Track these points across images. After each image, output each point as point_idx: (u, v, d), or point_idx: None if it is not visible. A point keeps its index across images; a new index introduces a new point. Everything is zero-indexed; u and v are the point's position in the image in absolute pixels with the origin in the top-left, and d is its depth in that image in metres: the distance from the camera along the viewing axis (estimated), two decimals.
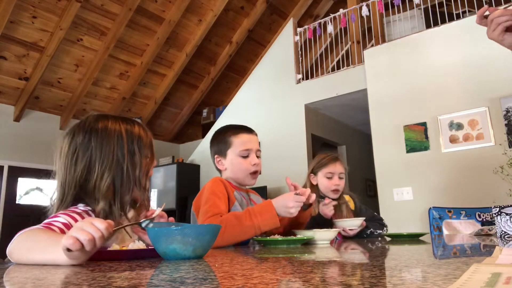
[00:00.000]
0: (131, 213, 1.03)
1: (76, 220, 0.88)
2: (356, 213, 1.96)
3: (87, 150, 0.95)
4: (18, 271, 0.63)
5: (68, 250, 0.63)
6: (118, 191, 0.95)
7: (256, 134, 1.56)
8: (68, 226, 0.86)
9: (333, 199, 1.92)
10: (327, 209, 1.68)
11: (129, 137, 0.98)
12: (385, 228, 1.96)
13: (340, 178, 1.93)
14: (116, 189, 0.95)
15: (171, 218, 1.14)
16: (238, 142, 1.48)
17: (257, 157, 1.51)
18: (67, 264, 0.67)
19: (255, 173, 1.49)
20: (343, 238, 1.76)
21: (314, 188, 1.93)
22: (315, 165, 1.98)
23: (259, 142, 1.58)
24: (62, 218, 0.87)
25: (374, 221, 1.98)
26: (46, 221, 0.87)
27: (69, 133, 0.98)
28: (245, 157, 1.47)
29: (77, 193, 0.95)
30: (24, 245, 0.76)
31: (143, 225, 0.87)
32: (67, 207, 0.94)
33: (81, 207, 0.94)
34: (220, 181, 1.42)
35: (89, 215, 0.92)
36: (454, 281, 0.37)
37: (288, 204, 1.26)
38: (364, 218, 1.77)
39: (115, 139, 0.96)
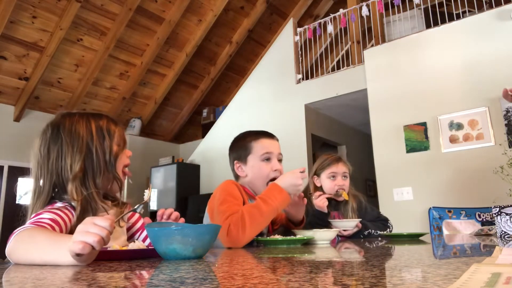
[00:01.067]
0: (113, 211, 1.03)
1: (59, 215, 0.89)
2: (361, 213, 1.95)
3: (57, 141, 0.98)
4: (18, 271, 0.63)
5: (77, 254, 0.63)
6: (90, 173, 0.97)
7: (277, 140, 1.52)
8: (55, 221, 0.87)
9: (338, 201, 1.92)
10: (320, 201, 1.68)
11: (97, 125, 1.02)
12: (388, 230, 1.95)
13: (343, 177, 1.93)
14: (87, 171, 0.97)
15: (182, 219, 1.14)
16: (259, 146, 1.45)
17: (279, 160, 1.48)
18: (68, 265, 0.67)
19: (274, 180, 1.46)
20: (337, 238, 1.76)
21: (318, 190, 1.92)
22: (318, 167, 1.98)
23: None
24: (47, 215, 0.88)
25: (378, 221, 1.97)
26: (32, 220, 0.86)
27: (40, 133, 1.03)
28: (267, 161, 1.44)
29: (54, 183, 0.96)
30: (22, 246, 0.76)
31: (138, 210, 0.88)
32: (47, 197, 0.95)
33: (59, 204, 0.95)
34: (235, 185, 1.39)
35: (69, 210, 0.93)
36: (454, 281, 0.37)
37: (297, 182, 1.29)
38: (359, 220, 1.77)
39: (84, 128, 1.00)
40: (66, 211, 0.92)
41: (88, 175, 0.97)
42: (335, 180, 1.91)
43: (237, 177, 1.51)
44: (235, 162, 1.49)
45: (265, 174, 1.43)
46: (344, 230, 1.73)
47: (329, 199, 1.77)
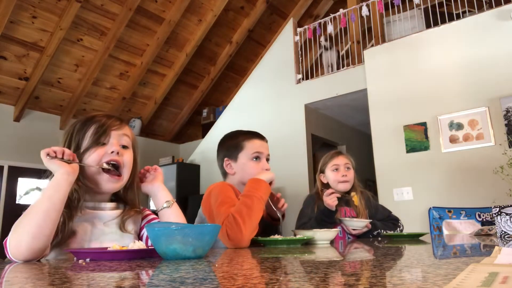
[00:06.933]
0: (118, 211, 1.06)
1: None
2: (372, 212, 1.96)
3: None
4: (18, 271, 0.63)
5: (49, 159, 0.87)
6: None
7: (267, 141, 1.57)
8: None
9: (344, 193, 1.93)
10: (330, 200, 1.69)
11: (77, 123, 1.08)
12: (398, 229, 1.95)
13: (346, 169, 1.95)
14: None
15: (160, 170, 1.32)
16: (251, 146, 1.49)
17: (267, 160, 1.52)
18: (65, 181, 0.88)
19: None
20: (348, 237, 1.77)
21: (326, 187, 1.95)
22: (321, 164, 2.03)
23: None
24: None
25: (389, 221, 1.97)
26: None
27: None
28: (256, 161, 1.48)
29: None
30: (21, 220, 0.89)
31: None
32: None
33: None
34: (230, 187, 1.41)
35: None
36: None
37: (271, 175, 1.38)
38: (369, 220, 1.78)
39: (70, 127, 1.09)
40: None
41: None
42: (338, 171, 1.94)
43: (225, 174, 1.53)
44: (225, 159, 1.51)
45: (255, 173, 1.44)
46: (353, 230, 1.74)
47: (338, 197, 1.78)
